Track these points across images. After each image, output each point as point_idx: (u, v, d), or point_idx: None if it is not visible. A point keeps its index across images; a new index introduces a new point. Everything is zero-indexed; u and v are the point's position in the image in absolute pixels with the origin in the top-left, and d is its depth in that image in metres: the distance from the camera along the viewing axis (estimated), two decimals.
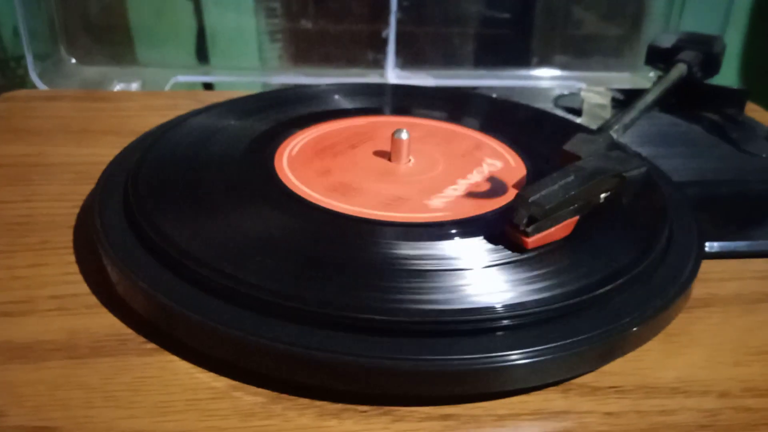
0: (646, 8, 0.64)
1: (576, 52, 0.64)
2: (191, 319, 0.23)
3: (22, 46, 0.52)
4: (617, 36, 0.65)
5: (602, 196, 0.28)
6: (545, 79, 0.63)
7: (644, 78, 0.63)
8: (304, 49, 0.61)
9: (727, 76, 0.66)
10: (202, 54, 0.60)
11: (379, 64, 0.60)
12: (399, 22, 0.58)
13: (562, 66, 0.63)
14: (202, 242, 0.26)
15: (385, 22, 0.58)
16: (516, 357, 0.22)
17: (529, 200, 0.26)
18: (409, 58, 0.60)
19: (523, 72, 0.63)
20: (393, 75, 0.59)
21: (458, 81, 0.60)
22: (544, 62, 0.63)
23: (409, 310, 0.23)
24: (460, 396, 0.23)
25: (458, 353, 0.22)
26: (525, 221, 0.26)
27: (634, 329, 0.24)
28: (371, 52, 0.60)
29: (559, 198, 0.26)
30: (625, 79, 0.64)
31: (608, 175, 0.28)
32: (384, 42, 0.59)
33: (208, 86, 0.62)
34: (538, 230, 0.26)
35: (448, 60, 0.63)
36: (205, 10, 0.58)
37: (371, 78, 0.59)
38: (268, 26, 0.59)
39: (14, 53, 0.58)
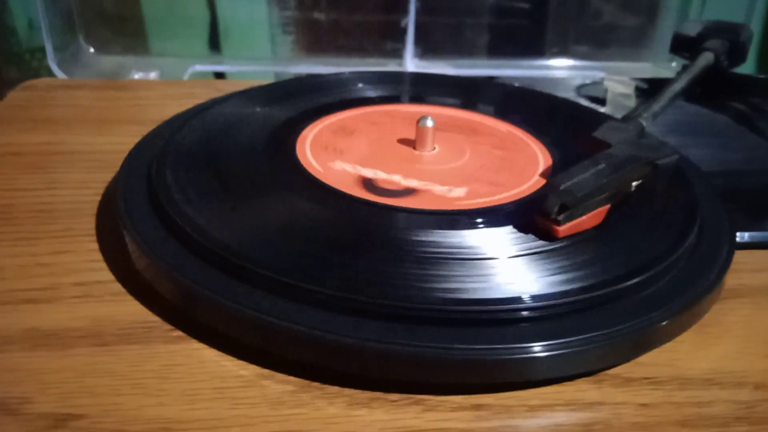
0: None
1: (593, 41, 0.64)
2: (220, 304, 0.23)
3: (37, 38, 0.52)
4: (635, 26, 0.64)
5: (633, 184, 0.28)
6: (562, 69, 0.62)
7: (665, 68, 0.62)
8: (317, 40, 0.60)
9: (747, 65, 0.65)
10: (214, 45, 0.60)
11: (396, 54, 0.59)
12: (416, 12, 0.57)
13: (579, 56, 0.63)
14: (229, 227, 0.26)
15: (402, 12, 0.57)
16: (548, 348, 0.22)
17: (561, 188, 0.25)
18: (426, 48, 0.60)
19: (541, 62, 0.63)
20: (411, 65, 0.58)
21: (476, 71, 0.60)
22: (561, 52, 0.63)
23: (441, 298, 0.23)
24: (492, 385, 0.22)
25: (490, 343, 0.22)
26: (556, 209, 0.25)
27: (666, 323, 0.23)
28: (389, 42, 0.59)
29: (590, 186, 0.25)
30: (645, 69, 0.63)
31: (640, 163, 0.27)
32: (402, 32, 0.58)
33: (219, 76, 0.61)
34: (569, 219, 0.25)
35: (466, 50, 0.62)
36: (217, 1, 0.58)
37: (390, 68, 0.59)
38: (280, 18, 0.59)
39: (29, 46, 0.57)
